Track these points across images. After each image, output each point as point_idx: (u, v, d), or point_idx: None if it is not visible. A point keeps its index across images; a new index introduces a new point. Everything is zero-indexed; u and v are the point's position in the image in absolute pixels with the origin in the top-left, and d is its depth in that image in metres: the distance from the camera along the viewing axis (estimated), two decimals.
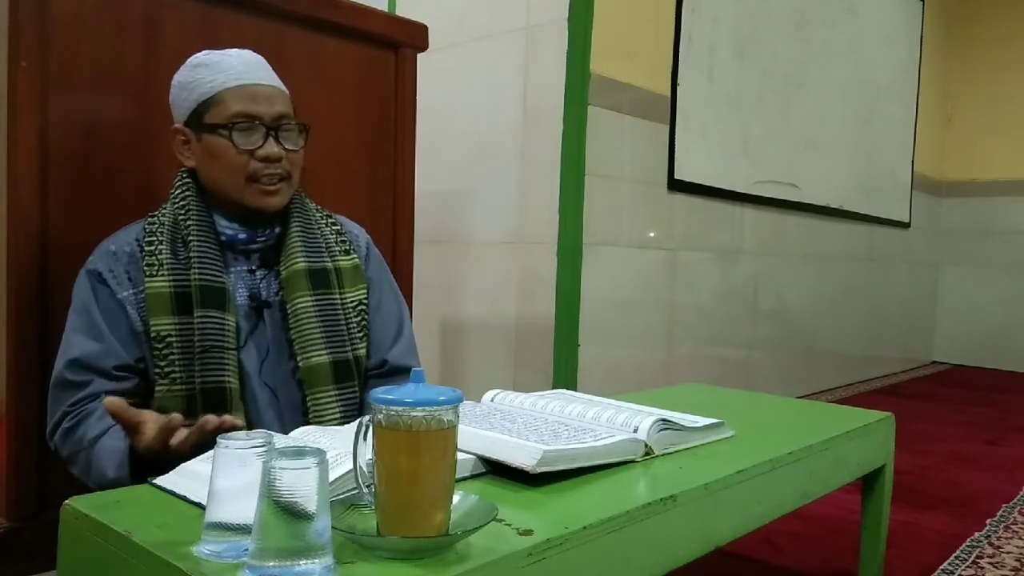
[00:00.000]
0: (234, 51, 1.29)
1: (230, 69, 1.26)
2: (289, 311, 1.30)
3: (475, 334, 3.03)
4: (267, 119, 1.26)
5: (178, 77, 1.29)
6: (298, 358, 1.29)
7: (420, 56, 1.93)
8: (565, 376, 2.74)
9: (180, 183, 1.30)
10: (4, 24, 1.32)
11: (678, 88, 3.17)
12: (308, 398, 1.29)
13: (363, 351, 1.36)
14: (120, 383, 1.20)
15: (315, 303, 1.31)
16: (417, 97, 1.92)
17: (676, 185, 3.19)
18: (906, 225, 5.26)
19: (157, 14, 1.48)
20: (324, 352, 1.30)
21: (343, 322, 1.33)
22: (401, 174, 1.91)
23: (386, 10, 2.82)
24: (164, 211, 1.29)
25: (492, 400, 1.38)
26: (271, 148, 1.25)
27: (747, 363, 3.75)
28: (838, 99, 4.35)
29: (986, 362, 5.63)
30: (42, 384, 1.34)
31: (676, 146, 3.17)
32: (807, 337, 4.27)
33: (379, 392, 0.76)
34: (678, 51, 3.16)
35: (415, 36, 1.91)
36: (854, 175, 4.58)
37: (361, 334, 1.36)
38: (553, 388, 1.78)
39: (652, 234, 3.14)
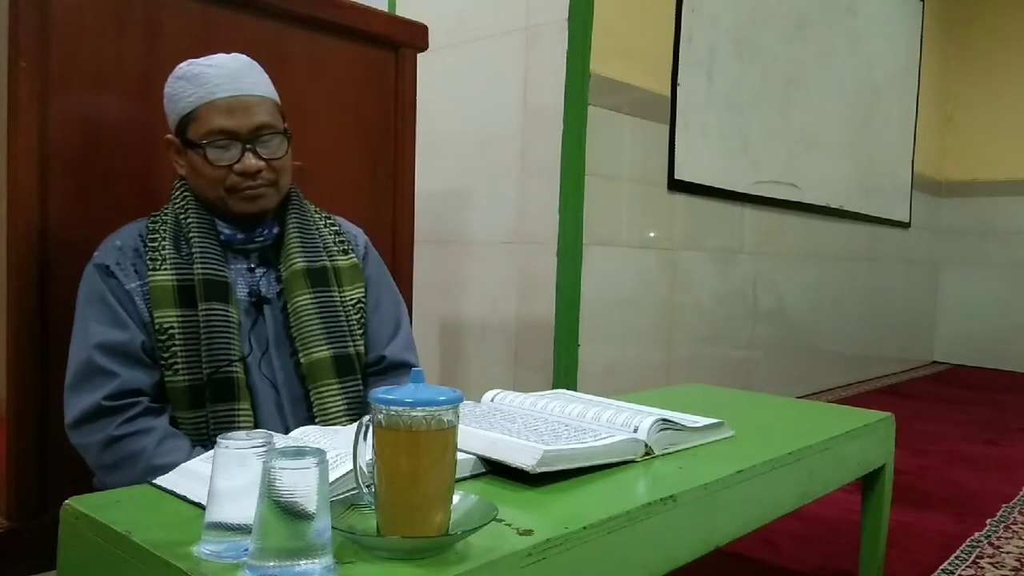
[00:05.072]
0: (217, 59, 1.28)
1: (207, 82, 1.26)
2: (289, 309, 1.32)
3: (475, 334, 3.02)
4: (243, 133, 1.26)
5: (166, 87, 1.30)
6: (300, 354, 1.31)
7: (420, 56, 1.93)
8: (565, 376, 2.74)
9: (179, 188, 1.33)
10: (4, 24, 1.32)
11: (678, 88, 3.17)
12: (312, 392, 1.31)
13: (363, 347, 1.38)
14: (148, 372, 1.21)
15: (314, 300, 1.33)
16: (417, 97, 1.92)
17: (676, 185, 3.19)
18: (906, 225, 5.26)
19: (157, 14, 1.48)
20: (325, 347, 1.32)
21: (343, 318, 1.35)
22: (401, 174, 1.91)
23: (386, 10, 2.82)
24: (166, 211, 1.32)
25: (492, 400, 1.38)
26: (248, 162, 1.27)
27: (747, 363, 3.75)
28: (838, 99, 4.34)
29: (986, 362, 5.62)
30: (42, 384, 1.34)
31: (676, 146, 3.17)
32: (807, 337, 4.26)
33: (379, 392, 0.76)
34: (678, 51, 3.16)
35: (415, 36, 1.91)
36: (854, 175, 4.58)
37: (360, 331, 1.38)
38: (553, 388, 1.78)
39: (652, 234, 3.14)
